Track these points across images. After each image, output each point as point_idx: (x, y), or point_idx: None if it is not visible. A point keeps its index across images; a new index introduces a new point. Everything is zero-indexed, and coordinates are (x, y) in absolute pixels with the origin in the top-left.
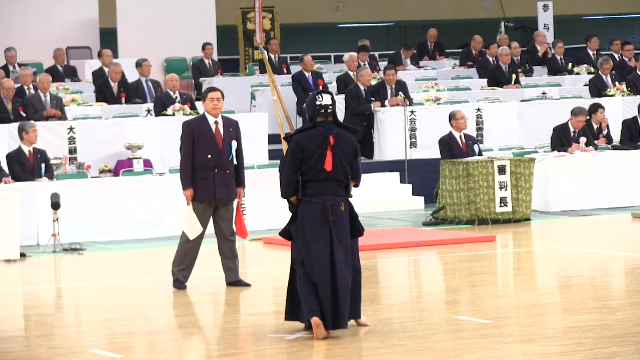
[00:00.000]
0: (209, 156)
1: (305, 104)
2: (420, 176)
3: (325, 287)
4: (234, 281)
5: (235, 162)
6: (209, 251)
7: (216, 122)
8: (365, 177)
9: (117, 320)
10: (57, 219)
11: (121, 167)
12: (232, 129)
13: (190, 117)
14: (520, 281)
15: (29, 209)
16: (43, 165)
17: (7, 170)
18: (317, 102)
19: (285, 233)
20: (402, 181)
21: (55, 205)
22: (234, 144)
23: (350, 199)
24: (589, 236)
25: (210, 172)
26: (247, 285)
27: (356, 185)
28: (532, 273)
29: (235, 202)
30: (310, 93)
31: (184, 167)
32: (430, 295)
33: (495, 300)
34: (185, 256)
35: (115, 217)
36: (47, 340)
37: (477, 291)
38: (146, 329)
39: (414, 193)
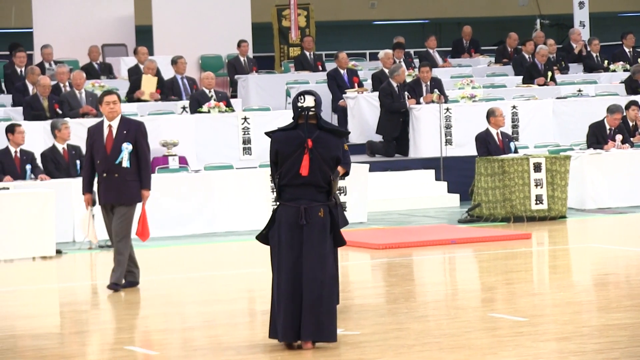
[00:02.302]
0: (98, 161)
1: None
2: (455, 173)
3: (288, 298)
4: (127, 282)
5: (127, 165)
6: (242, 249)
7: (110, 126)
8: (400, 175)
9: (152, 317)
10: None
11: (156, 164)
12: (128, 131)
13: (225, 114)
14: (556, 279)
15: (65, 205)
16: (78, 162)
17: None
18: (299, 104)
19: (262, 238)
20: (437, 178)
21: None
22: (126, 147)
23: (331, 206)
24: (625, 234)
25: (100, 176)
26: (132, 285)
27: (346, 173)
28: (567, 271)
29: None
30: (298, 92)
31: (83, 172)
32: (466, 292)
33: (531, 298)
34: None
35: (150, 214)
36: (82, 337)
37: (512, 289)
38: (181, 326)
39: (450, 190)
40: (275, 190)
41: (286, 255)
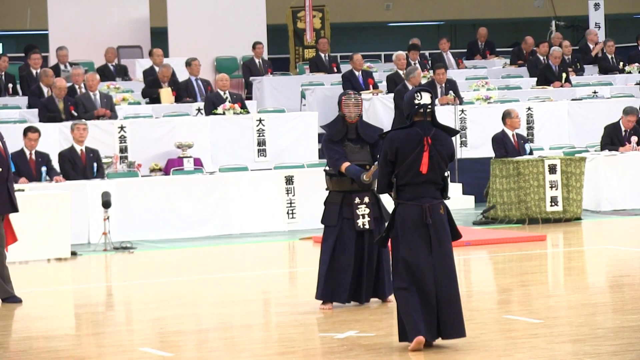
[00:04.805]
0: (0, 170)
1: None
2: (470, 175)
3: (432, 297)
4: (6, 297)
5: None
6: (257, 251)
7: None
8: None
9: (167, 318)
10: (108, 218)
11: (172, 166)
12: (2, 140)
13: (240, 116)
14: (571, 281)
15: (80, 207)
16: (95, 165)
17: (58, 169)
18: (416, 101)
19: (382, 241)
20: (452, 180)
21: (106, 204)
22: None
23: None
24: None
25: (2, 185)
26: (19, 301)
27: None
28: (582, 273)
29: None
30: (412, 89)
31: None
32: (481, 294)
33: (546, 299)
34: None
35: (165, 215)
36: (97, 338)
37: (527, 291)
38: (196, 328)
39: (465, 192)
40: (380, 187)
41: (420, 254)
